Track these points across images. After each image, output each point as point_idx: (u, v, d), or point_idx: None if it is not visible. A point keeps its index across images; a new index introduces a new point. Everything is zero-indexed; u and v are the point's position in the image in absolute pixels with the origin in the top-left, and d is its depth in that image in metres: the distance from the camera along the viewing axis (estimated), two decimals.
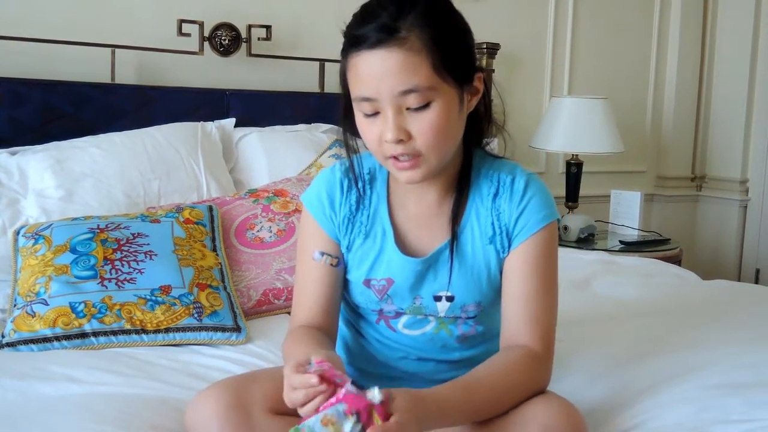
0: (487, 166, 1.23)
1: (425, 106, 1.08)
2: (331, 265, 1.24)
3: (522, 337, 1.16)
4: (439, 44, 1.07)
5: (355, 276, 1.24)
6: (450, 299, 1.21)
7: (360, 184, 1.24)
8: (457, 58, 1.11)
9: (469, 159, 1.22)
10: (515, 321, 1.18)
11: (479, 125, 1.22)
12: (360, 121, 1.13)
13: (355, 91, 1.10)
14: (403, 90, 1.06)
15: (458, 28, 1.13)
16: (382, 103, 1.08)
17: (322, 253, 1.24)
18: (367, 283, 1.23)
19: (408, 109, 1.08)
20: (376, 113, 1.10)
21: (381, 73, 1.06)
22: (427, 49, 1.06)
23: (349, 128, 1.19)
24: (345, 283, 1.28)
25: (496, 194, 1.21)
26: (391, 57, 1.05)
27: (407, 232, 1.23)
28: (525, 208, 1.19)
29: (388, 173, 1.24)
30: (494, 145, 1.29)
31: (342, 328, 1.35)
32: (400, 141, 1.08)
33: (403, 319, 1.25)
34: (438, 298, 1.22)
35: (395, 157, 1.11)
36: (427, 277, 1.21)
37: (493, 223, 1.20)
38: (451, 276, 1.20)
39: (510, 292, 1.19)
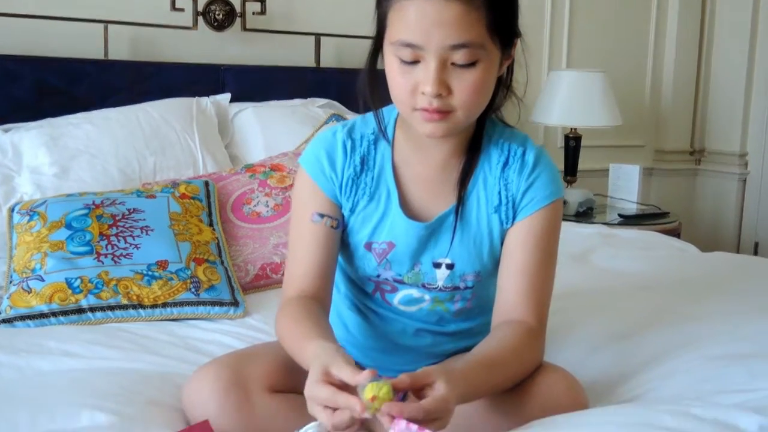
0: (498, 134, 1.21)
1: (471, 64, 1.04)
2: (331, 227, 1.19)
3: (518, 310, 1.15)
4: (497, 3, 1.04)
5: (357, 239, 1.21)
6: (450, 267, 1.19)
7: (365, 144, 1.20)
8: (508, 20, 1.08)
9: (482, 125, 1.19)
10: (513, 293, 1.16)
11: (497, 92, 1.17)
12: (393, 67, 1.08)
13: (398, 35, 1.05)
14: (454, 44, 1.02)
15: None
16: (427, 53, 1.03)
17: (322, 215, 1.18)
18: (369, 246, 1.20)
19: (452, 64, 1.05)
20: (415, 62, 1.05)
21: (435, 21, 1.01)
22: (485, 7, 1.03)
23: (371, 76, 1.15)
24: (344, 249, 1.24)
25: (505, 164, 1.18)
26: (450, 7, 1.01)
27: (412, 194, 1.20)
28: (534, 182, 1.17)
29: (393, 134, 1.21)
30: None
31: (339, 305, 1.32)
32: (438, 95, 1.05)
33: (399, 295, 1.23)
34: (437, 265, 1.19)
35: (425, 109, 1.07)
36: (428, 242, 1.19)
37: (500, 192, 1.18)
38: (453, 242, 1.18)
39: (510, 264, 1.17)
